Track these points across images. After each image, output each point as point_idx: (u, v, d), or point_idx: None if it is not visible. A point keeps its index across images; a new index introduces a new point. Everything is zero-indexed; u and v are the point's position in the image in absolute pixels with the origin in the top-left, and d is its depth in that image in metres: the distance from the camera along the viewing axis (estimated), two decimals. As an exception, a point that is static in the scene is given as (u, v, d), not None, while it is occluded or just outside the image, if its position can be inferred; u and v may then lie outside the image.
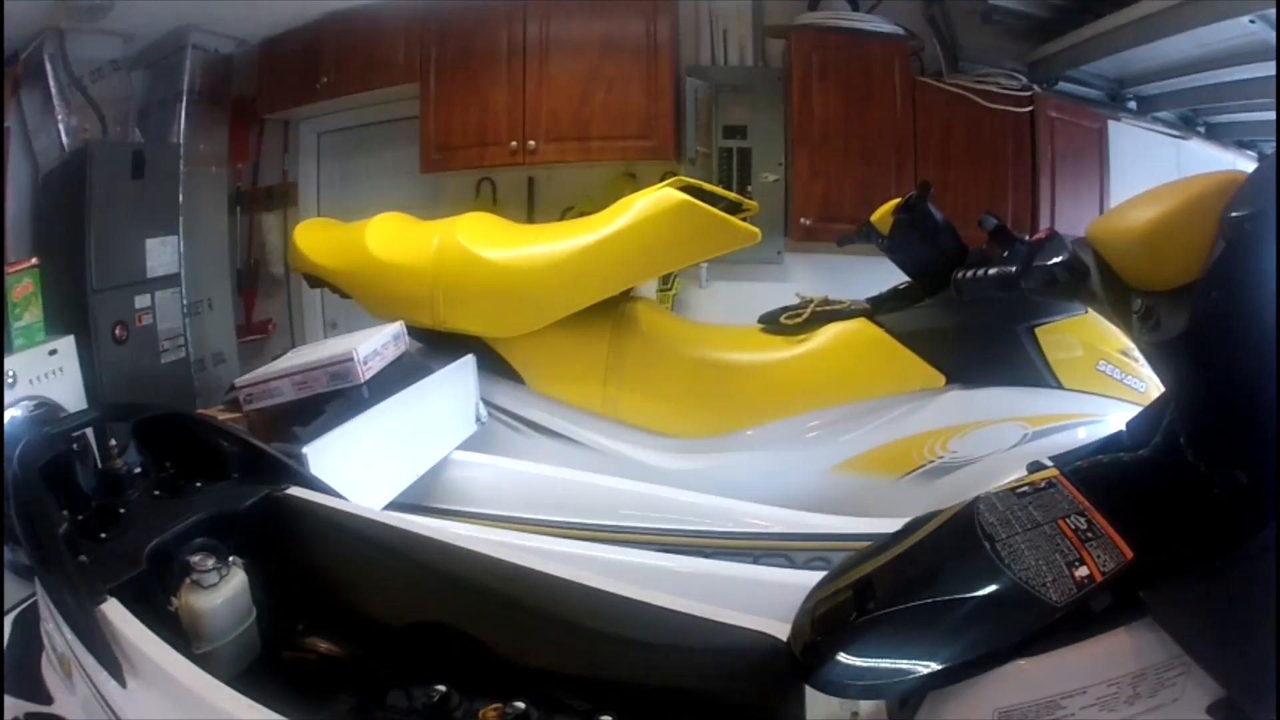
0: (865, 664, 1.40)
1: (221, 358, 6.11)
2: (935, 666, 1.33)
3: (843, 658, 1.40)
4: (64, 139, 5.04)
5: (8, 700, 2.05)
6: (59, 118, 5.03)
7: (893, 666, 1.38)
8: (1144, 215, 1.31)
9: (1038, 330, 3.27)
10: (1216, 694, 1.25)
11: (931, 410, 3.37)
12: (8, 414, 3.70)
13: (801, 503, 3.14)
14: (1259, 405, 1.20)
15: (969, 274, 2.43)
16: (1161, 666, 1.26)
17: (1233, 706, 1.24)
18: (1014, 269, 2.17)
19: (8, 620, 2.24)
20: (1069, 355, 3.30)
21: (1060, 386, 3.29)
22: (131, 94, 5.61)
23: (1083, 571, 1.31)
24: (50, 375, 4.15)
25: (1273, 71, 4.56)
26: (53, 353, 4.19)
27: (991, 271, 2.31)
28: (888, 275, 3.73)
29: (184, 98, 5.79)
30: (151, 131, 5.73)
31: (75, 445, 2.14)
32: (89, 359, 4.52)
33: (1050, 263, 1.62)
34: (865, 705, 1.63)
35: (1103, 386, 3.28)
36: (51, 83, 4.99)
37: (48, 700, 2.02)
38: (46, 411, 3.89)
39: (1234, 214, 1.14)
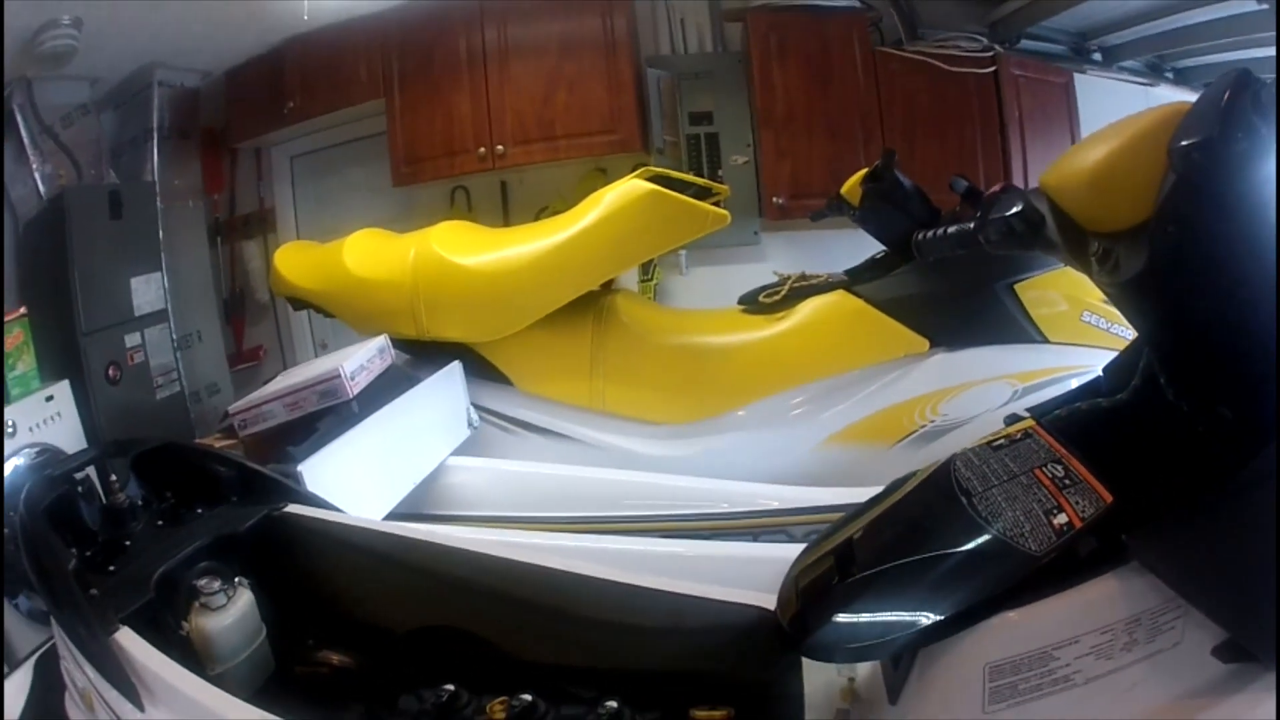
0: (851, 626, 1.41)
1: (216, 388, 6.12)
2: (921, 622, 1.34)
3: (830, 623, 1.42)
4: (40, 187, 5.03)
5: None
6: (34, 166, 5.02)
7: (878, 627, 1.39)
8: (1091, 157, 1.31)
9: (1017, 287, 3.28)
10: (1220, 635, 1.25)
11: (918, 375, 3.39)
12: (9, 464, 3.72)
13: (796, 479, 3.14)
14: (1236, 336, 1.21)
15: (928, 234, 2.45)
16: (1156, 611, 1.28)
17: (1238, 647, 1.24)
18: (971, 225, 2.15)
19: (28, 665, 2.23)
20: (1052, 309, 3.31)
21: (1046, 341, 3.30)
22: (102, 135, 5.59)
23: (1061, 519, 1.33)
24: (48, 421, 4.15)
25: (1233, 12, 4.61)
26: (49, 399, 4.20)
27: (951, 230, 2.30)
28: (866, 247, 3.75)
29: (154, 134, 5.80)
30: (125, 170, 5.74)
31: (80, 486, 2.16)
32: (85, 401, 4.52)
33: (1006, 214, 1.56)
34: (861, 669, 1.65)
35: (1089, 337, 3.28)
36: (23, 132, 4.99)
37: None
38: (49, 457, 3.87)
39: (1182, 144, 1.13)
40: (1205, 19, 4.91)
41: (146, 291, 5.28)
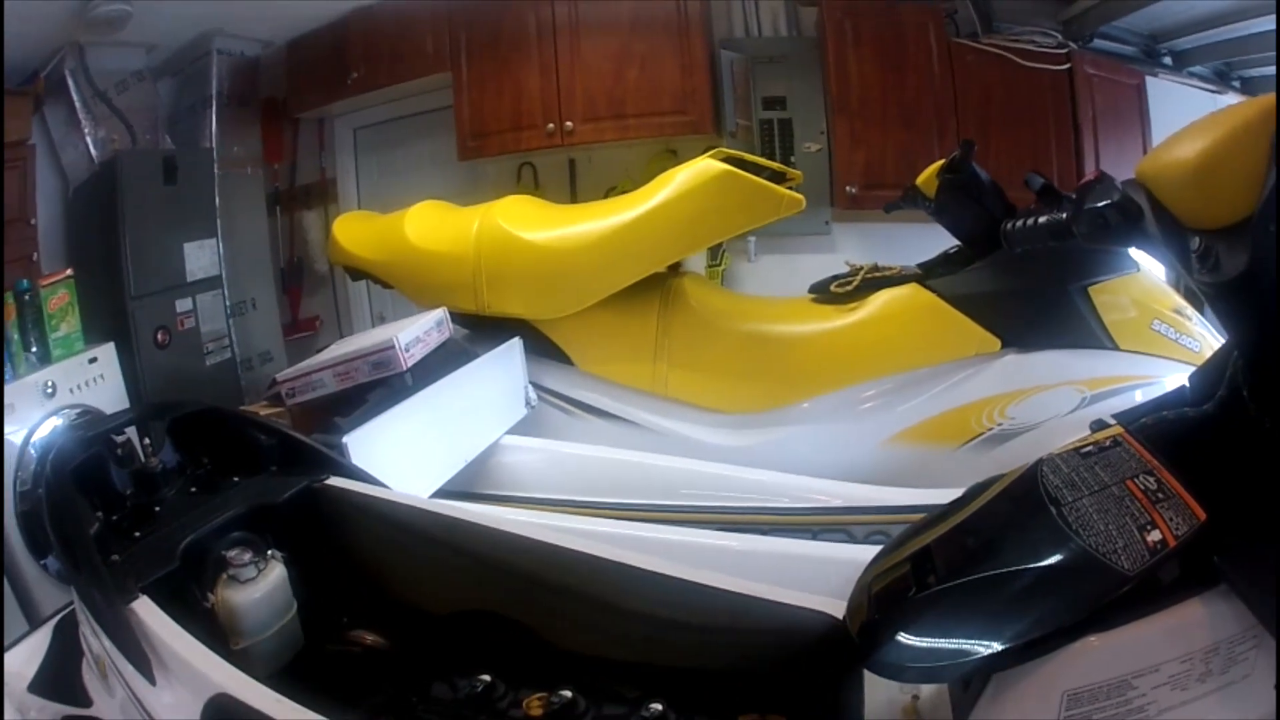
0: (924, 644, 1.34)
1: (268, 356, 6.14)
2: (999, 646, 1.26)
3: (900, 638, 1.34)
4: (92, 151, 5.05)
5: (50, 705, 2.05)
6: (85, 131, 5.04)
7: (953, 647, 1.32)
8: (1192, 147, 1.21)
9: (1091, 290, 3.19)
10: None
11: (988, 376, 3.30)
12: (50, 424, 3.70)
13: (857, 476, 3.09)
14: None
15: (1018, 224, 2.39)
16: (1235, 639, 1.19)
17: None
18: (1064, 215, 2.12)
19: (48, 626, 2.22)
20: (1123, 315, 3.21)
21: (1116, 347, 3.20)
22: (159, 102, 5.63)
23: (1155, 535, 1.23)
24: (92, 383, 4.12)
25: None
26: (93, 360, 4.16)
27: (1042, 220, 2.27)
28: (937, 241, 3.65)
29: (213, 102, 5.78)
30: (182, 138, 5.75)
31: (120, 449, 2.13)
32: (130, 365, 4.51)
33: (1101, 204, 1.54)
34: (926, 688, 1.58)
35: (1158, 346, 3.19)
36: (75, 97, 5.01)
37: (87, 703, 2.01)
38: (90, 419, 3.85)
39: None
40: (1270, 28, 4.87)
41: (200, 257, 5.28)
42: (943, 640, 1.33)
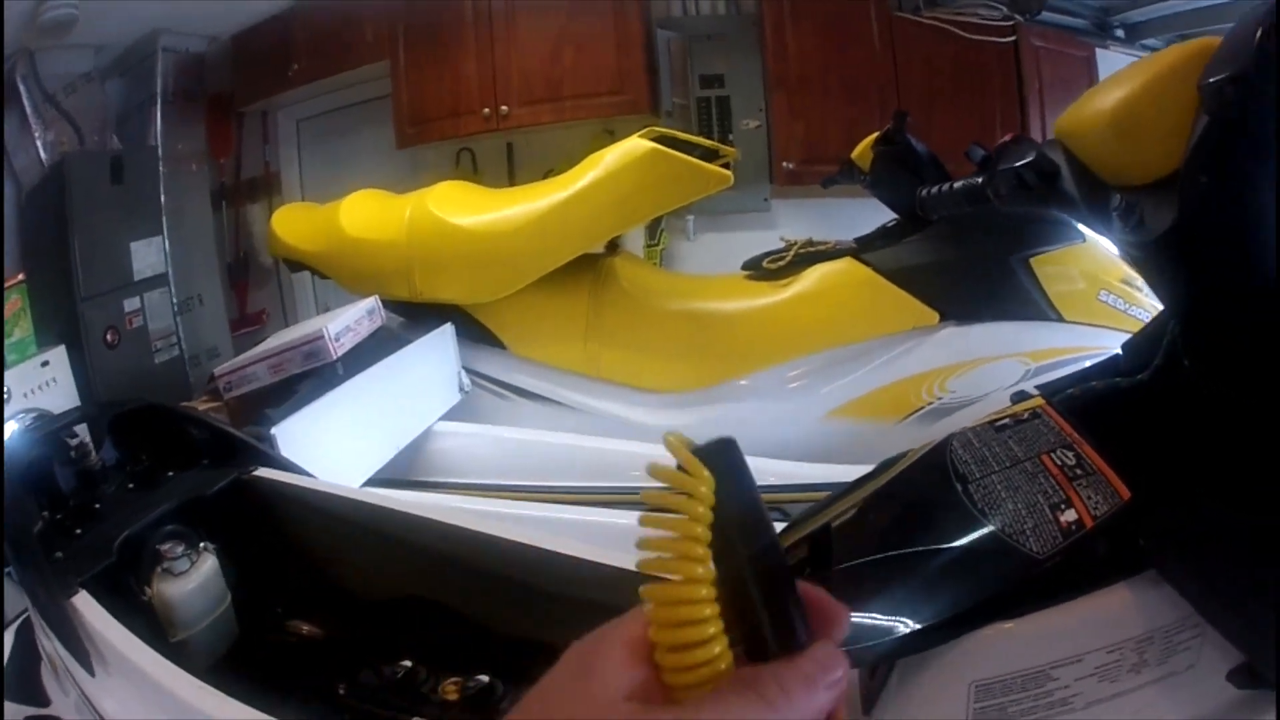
0: None
1: (216, 352, 6.10)
2: (900, 630, 1.16)
3: None
4: (43, 155, 5.03)
5: (10, 707, 2.10)
6: (35, 135, 5.02)
7: (853, 629, 1.21)
8: (1111, 99, 1.15)
9: (1033, 261, 3.20)
10: (1238, 658, 1.09)
11: (927, 349, 3.32)
12: (9, 427, 3.70)
13: (798, 453, 3.09)
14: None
15: (934, 190, 2.33)
16: (1171, 628, 1.10)
17: (1257, 672, 1.08)
18: (979, 179, 2.01)
19: (10, 631, 2.26)
20: (1069, 286, 3.22)
21: (1061, 319, 3.22)
22: (106, 102, 5.60)
23: (1069, 515, 1.14)
24: (44, 387, 4.18)
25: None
26: (45, 364, 4.21)
27: (958, 184, 2.18)
28: (880, 215, 3.67)
29: (158, 99, 5.79)
30: (131, 137, 5.72)
31: (74, 451, 2.17)
32: (82, 367, 4.54)
33: (1016, 164, 1.43)
34: None
35: (1106, 317, 3.20)
36: (25, 102, 4.99)
37: (46, 703, 2.05)
38: (43, 423, 3.90)
39: (1213, 79, 0.98)
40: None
41: (147, 255, 5.29)
42: None
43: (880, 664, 1.26)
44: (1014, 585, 1.13)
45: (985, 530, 1.18)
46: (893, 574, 1.22)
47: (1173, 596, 1.08)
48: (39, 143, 5.02)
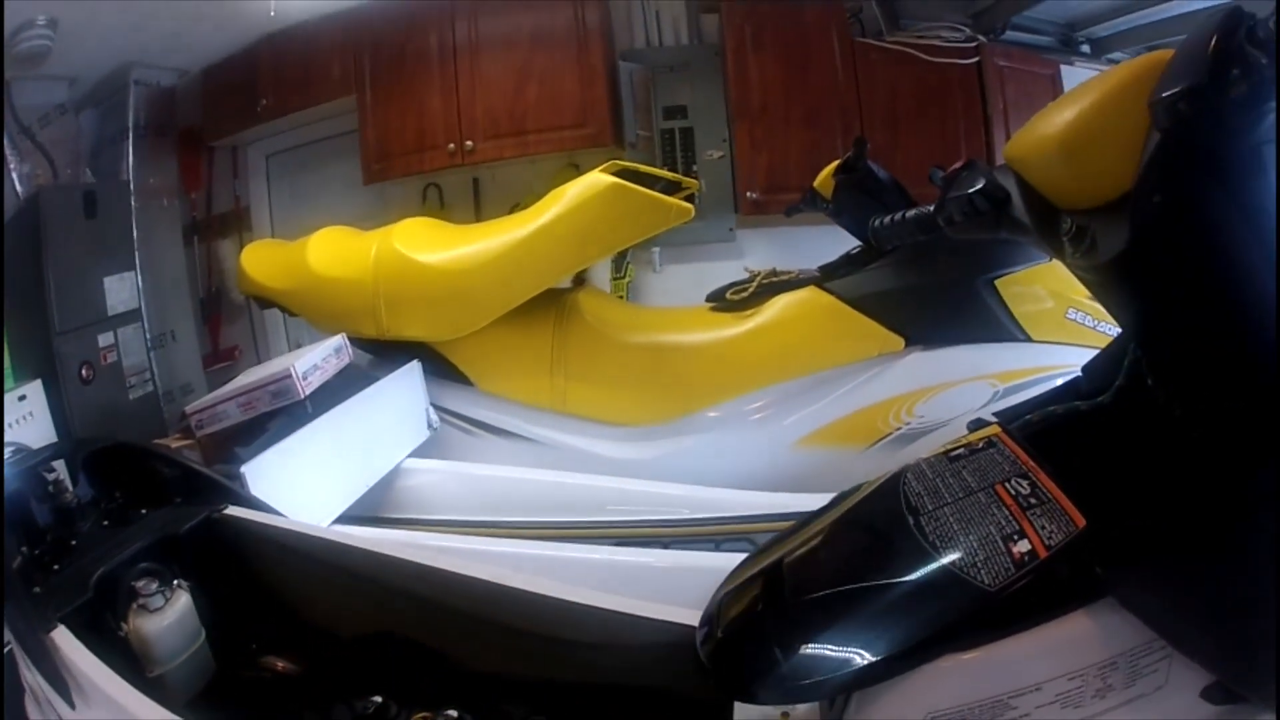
0: (776, 665, 1.26)
1: (190, 388, 6.10)
2: (856, 662, 1.21)
3: (748, 656, 1.31)
4: (18, 187, 5.05)
5: None
6: (11, 166, 5.03)
7: (808, 664, 1.24)
8: (1059, 120, 1.16)
9: (998, 282, 3.19)
10: (1210, 676, 1.13)
11: (893, 375, 3.31)
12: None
13: (766, 483, 3.10)
14: (1237, 322, 1.06)
15: (885, 220, 2.35)
16: (1136, 652, 1.14)
17: (1230, 689, 1.12)
18: (930, 207, 2.02)
19: None
20: (1036, 306, 3.20)
21: (1029, 339, 3.21)
22: (80, 135, 5.62)
23: (1022, 546, 1.18)
24: (21, 421, 4.18)
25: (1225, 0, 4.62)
26: (22, 398, 4.23)
27: (910, 214, 2.22)
28: (845, 242, 3.68)
29: (130, 133, 5.80)
30: (103, 170, 5.75)
31: (51, 485, 2.20)
32: (58, 401, 4.56)
33: (967, 191, 1.45)
34: (799, 705, 1.39)
35: (1074, 335, 3.19)
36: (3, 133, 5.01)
37: None
38: (22, 457, 3.90)
39: (1165, 94, 0.98)
40: (1194, 8, 4.91)
41: (120, 291, 5.29)
42: (791, 660, 1.25)
43: (838, 695, 1.30)
44: (968, 617, 1.17)
45: (936, 564, 1.22)
46: (849, 607, 1.26)
47: (1134, 621, 1.12)
48: (14, 175, 5.03)
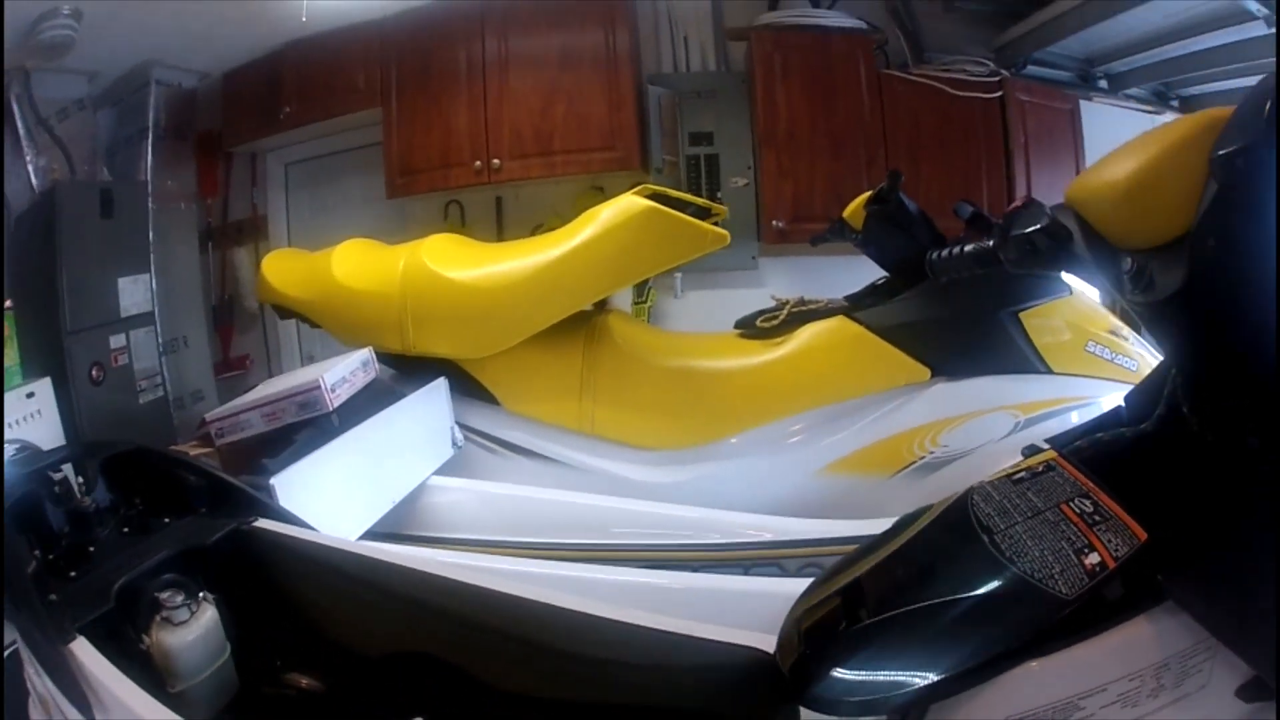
0: (859, 678, 1.31)
1: (200, 395, 6.10)
2: (934, 677, 1.24)
3: (834, 673, 1.32)
4: (33, 180, 5.03)
5: None
6: (27, 159, 5.02)
7: (889, 679, 1.29)
8: (1125, 168, 1.23)
9: (1022, 315, 3.23)
10: (1245, 674, 1.19)
11: (919, 405, 3.32)
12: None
13: (791, 508, 3.10)
14: (1274, 358, 1.10)
15: (944, 253, 2.39)
16: (1186, 654, 1.20)
17: (1264, 685, 1.17)
18: (990, 243, 2.12)
19: None
20: (1056, 338, 3.24)
21: (1049, 371, 3.23)
22: (98, 132, 5.62)
23: (1093, 558, 1.23)
24: (29, 418, 4.14)
25: (1241, 37, 4.60)
26: (30, 395, 4.18)
27: (968, 248, 2.26)
28: (865, 273, 3.69)
29: (149, 134, 5.78)
30: (119, 169, 5.75)
31: (57, 486, 2.12)
32: (67, 401, 4.50)
33: (1028, 230, 1.52)
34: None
35: (1093, 368, 3.23)
36: (19, 123, 4.99)
37: None
38: (29, 455, 3.85)
39: (1223, 151, 1.06)
40: (1210, 45, 4.97)
41: (134, 293, 5.27)
42: (876, 673, 1.31)
43: (913, 710, 1.30)
44: (1048, 625, 1.21)
45: (1015, 576, 1.26)
46: (926, 623, 1.30)
47: (1186, 624, 1.19)
48: (30, 167, 5.02)
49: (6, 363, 4.06)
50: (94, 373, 4.86)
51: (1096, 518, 1.29)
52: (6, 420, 3.93)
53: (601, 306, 3.77)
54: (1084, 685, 1.21)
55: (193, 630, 1.88)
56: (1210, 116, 1.13)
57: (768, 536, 2.91)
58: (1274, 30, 4.40)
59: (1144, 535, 1.23)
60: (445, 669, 1.86)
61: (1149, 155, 1.19)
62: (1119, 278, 1.29)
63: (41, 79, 5.11)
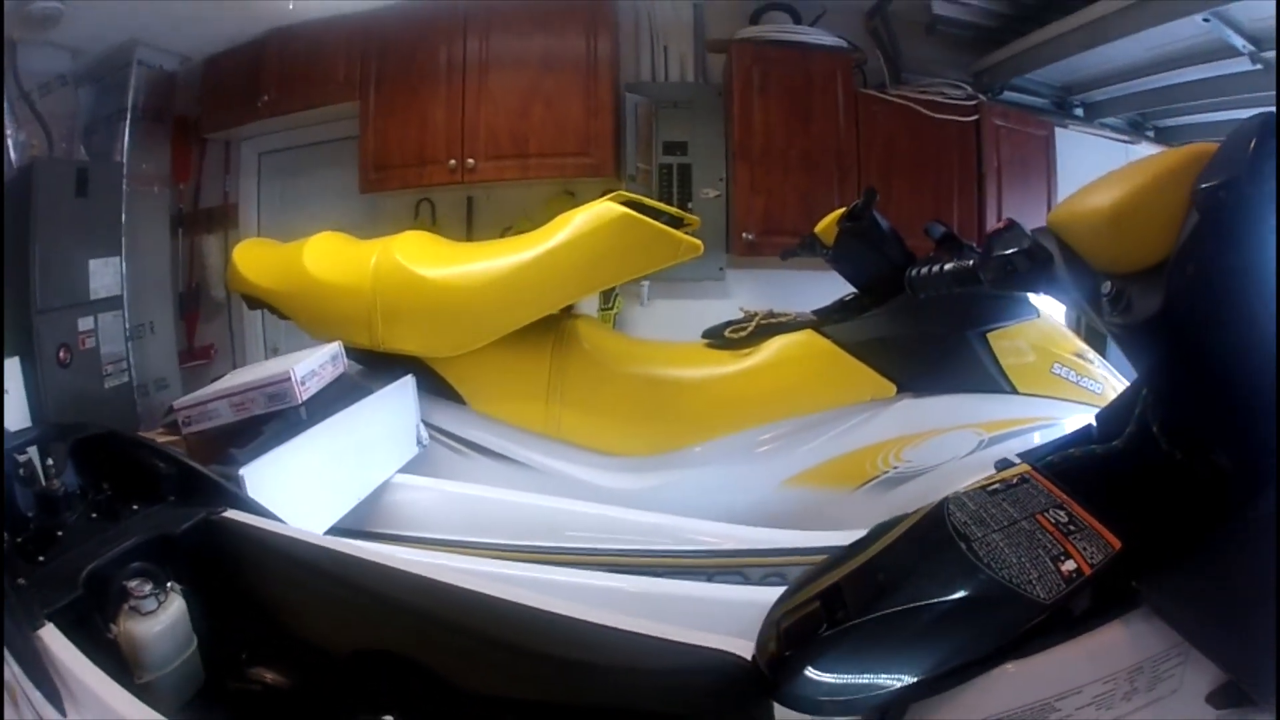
0: (838, 678, 1.35)
1: (164, 383, 6.06)
2: (914, 678, 1.29)
3: (812, 672, 1.36)
4: (11, 154, 5.02)
5: None
6: (8, 134, 5.01)
7: (868, 680, 1.33)
8: (1110, 195, 1.28)
9: (989, 335, 3.28)
10: (1215, 681, 1.24)
11: (883, 420, 3.36)
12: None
13: (753, 519, 3.11)
14: (1243, 380, 1.19)
15: (923, 270, 2.40)
16: (1159, 658, 1.25)
17: (1232, 691, 1.23)
18: (971, 261, 2.14)
19: None
20: (1022, 360, 3.31)
21: (1014, 391, 3.29)
22: (78, 109, 5.60)
23: (1069, 565, 1.29)
24: (-4, 396, 4.09)
25: (1222, 72, 4.65)
26: (-1, 374, 4.14)
27: (948, 266, 2.27)
28: (832, 288, 3.74)
29: (128, 114, 5.76)
30: (96, 148, 5.71)
31: (21, 469, 2.09)
32: (34, 381, 4.50)
33: (1010, 251, 1.57)
34: None
35: (1058, 389, 3.29)
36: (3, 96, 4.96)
37: None
38: None
39: (1206, 185, 1.13)
40: (1189, 79, 5.02)
41: (104, 275, 5.24)
42: (856, 674, 1.35)
43: (892, 710, 1.35)
44: (1026, 628, 1.27)
45: (993, 580, 1.32)
46: (905, 625, 1.35)
47: (1159, 630, 1.24)
48: (9, 141, 5.01)
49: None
50: (61, 354, 4.84)
51: (1071, 527, 1.36)
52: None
53: (569, 311, 3.78)
54: (1060, 687, 1.26)
55: (160, 621, 1.87)
56: (1195, 151, 1.19)
57: (731, 545, 2.93)
58: (1258, 66, 4.45)
59: (1119, 544, 1.29)
60: (415, 667, 1.86)
61: (1134, 184, 1.25)
62: (1097, 300, 1.34)
63: (26, 51, 5.10)
